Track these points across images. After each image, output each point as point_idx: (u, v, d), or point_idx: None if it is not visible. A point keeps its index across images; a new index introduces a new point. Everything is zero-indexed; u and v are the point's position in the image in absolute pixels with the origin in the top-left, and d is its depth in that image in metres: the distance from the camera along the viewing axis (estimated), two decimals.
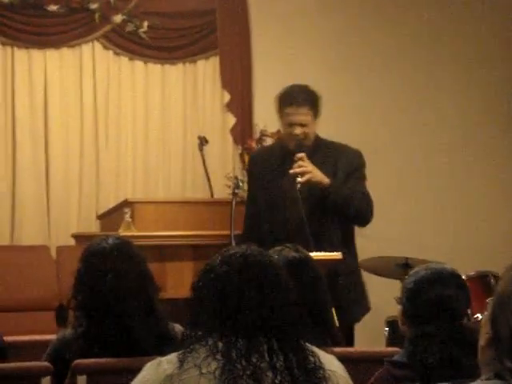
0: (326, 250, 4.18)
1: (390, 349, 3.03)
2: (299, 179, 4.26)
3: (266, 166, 4.53)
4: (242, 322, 2.14)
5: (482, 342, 1.68)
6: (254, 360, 2.11)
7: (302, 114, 4.40)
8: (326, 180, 4.33)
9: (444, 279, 2.70)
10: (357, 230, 4.59)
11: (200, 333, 2.16)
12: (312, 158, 4.38)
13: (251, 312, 2.15)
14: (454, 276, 2.74)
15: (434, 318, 2.63)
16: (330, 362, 2.25)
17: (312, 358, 2.19)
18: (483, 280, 4.74)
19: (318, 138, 4.50)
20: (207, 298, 2.19)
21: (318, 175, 4.32)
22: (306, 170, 4.29)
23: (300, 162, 4.29)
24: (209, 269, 2.24)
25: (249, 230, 4.51)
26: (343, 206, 4.36)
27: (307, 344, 2.23)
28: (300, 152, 4.32)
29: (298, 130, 4.38)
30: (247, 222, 4.56)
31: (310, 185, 4.30)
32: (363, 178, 4.51)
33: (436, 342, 2.56)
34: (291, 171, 4.29)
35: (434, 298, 2.66)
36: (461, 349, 2.55)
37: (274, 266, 2.26)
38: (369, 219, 4.48)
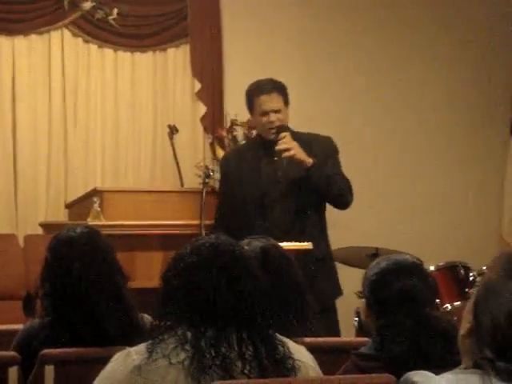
0: (303, 238, 4.33)
1: (360, 339, 3.03)
2: (286, 154, 4.38)
3: (241, 164, 4.58)
4: (211, 312, 2.13)
5: (462, 331, 1.67)
6: (223, 350, 2.10)
7: (273, 101, 4.51)
8: (309, 159, 4.43)
9: (406, 269, 2.69)
10: (328, 219, 4.61)
11: (169, 323, 2.15)
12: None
13: (221, 302, 2.14)
14: (416, 266, 2.74)
15: (400, 308, 2.62)
16: (299, 352, 2.25)
17: (281, 348, 2.19)
18: (452, 270, 4.76)
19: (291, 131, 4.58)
20: (176, 288, 2.17)
21: (302, 153, 4.42)
22: (290, 146, 4.39)
23: (284, 139, 4.41)
24: (178, 259, 2.23)
25: (221, 220, 4.53)
26: (326, 185, 4.46)
27: (277, 334, 2.22)
28: (280, 133, 4.44)
29: (273, 117, 4.48)
30: (220, 212, 4.59)
31: (294, 162, 4.40)
32: (338, 162, 4.62)
33: (403, 332, 2.56)
34: (276, 147, 4.39)
35: (399, 289, 2.65)
36: (427, 339, 2.55)
37: (244, 255, 2.25)
38: (350, 201, 4.58)
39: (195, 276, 2.17)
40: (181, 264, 2.20)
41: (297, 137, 4.55)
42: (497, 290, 1.60)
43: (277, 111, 4.51)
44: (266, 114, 4.50)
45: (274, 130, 4.49)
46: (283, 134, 4.42)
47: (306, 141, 4.56)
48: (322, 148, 4.57)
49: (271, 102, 4.51)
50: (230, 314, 2.14)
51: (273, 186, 4.50)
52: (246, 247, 3.05)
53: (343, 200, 4.57)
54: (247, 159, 4.60)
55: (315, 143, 4.58)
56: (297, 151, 4.40)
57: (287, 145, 4.40)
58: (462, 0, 6.98)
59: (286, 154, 4.37)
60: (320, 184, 4.44)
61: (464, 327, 1.67)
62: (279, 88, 4.56)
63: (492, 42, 6.99)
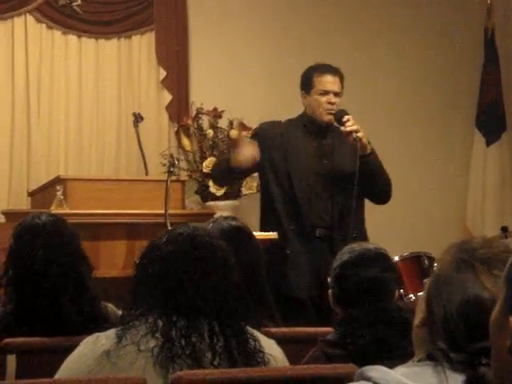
0: (349, 228, 4.24)
1: (324, 329, 3.02)
2: (358, 134, 4.19)
3: (287, 138, 4.40)
4: (184, 302, 2.13)
5: (416, 321, 1.68)
6: (194, 340, 2.10)
7: (336, 84, 4.38)
8: (368, 145, 4.30)
9: (367, 261, 2.71)
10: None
11: (140, 310, 2.13)
12: (333, 138, 4.40)
13: (194, 293, 2.13)
14: (378, 257, 2.75)
15: (360, 301, 2.65)
16: (270, 346, 2.26)
17: (252, 342, 2.19)
18: (416, 261, 4.78)
19: None
20: (151, 276, 2.17)
21: (364, 136, 4.27)
22: (358, 127, 4.23)
23: (351, 121, 4.23)
24: (154, 247, 2.22)
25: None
26: (377, 175, 4.34)
27: (248, 327, 2.22)
28: (343, 116, 4.27)
29: (334, 99, 4.34)
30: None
31: (360, 145, 4.22)
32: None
33: (363, 325, 2.57)
34: (347, 129, 4.21)
35: (358, 281, 2.67)
36: (389, 329, 2.56)
37: (221, 247, 2.25)
38: (390, 196, 4.52)
39: (170, 265, 2.16)
40: (157, 252, 2.20)
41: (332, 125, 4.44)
42: (449, 281, 1.61)
43: (336, 95, 4.37)
44: (326, 93, 4.35)
45: (332, 111, 4.32)
46: (348, 116, 4.25)
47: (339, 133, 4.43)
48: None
49: (335, 83, 4.37)
50: (203, 305, 2.13)
51: (316, 172, 4.36)
52: (211, 225, 3.03)
53: (387, 194, 4.49)
54: (295, 136, 4.41)
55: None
56: (363, 132, 4.25)
57: (355, 126, 4.22)
58: None
59: (358, 134, 4.18)
60: (375, 172, 4.31)
61: (418, 317, 1.67)
62: (342, 77, 4.45)
63: (459, 36, 7.03)
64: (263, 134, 4.45)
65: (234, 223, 3.13)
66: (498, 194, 6.84)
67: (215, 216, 4.56)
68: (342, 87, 4.44)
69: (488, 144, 6.87)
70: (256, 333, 2.23)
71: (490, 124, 6.87)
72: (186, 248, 2.18)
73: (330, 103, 4.34)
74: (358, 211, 4.38)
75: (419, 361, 1.60)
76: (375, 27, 6.87)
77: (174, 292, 2.13)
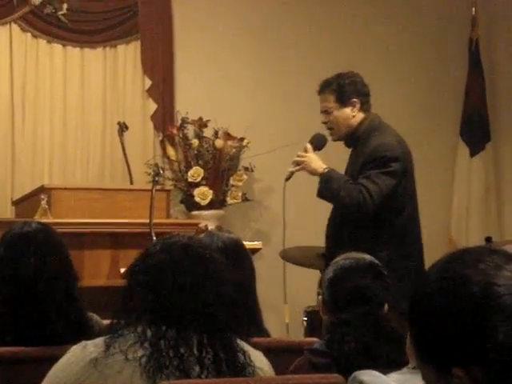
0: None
1: (309, 339, 3.03)
2: (290, 169, 4.29)
3: None
4: (174, 312, 2.11)
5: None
6: (182, 351, 2.08)
7: (322, 101, 4.32)
8: (318, 170, 4.22)
9: (360, 269, 2.73)
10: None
11: (130, 319, 2.12)
12: (356, 147, 4.29)
13: (185, 303, 2.11)
14: (372, 266, 2.77)
15: (351, 306, 2.65)
16: (259, 359, 2.24)
17: (241, 356, 2.16)
18: None
19: (370, 126, 4.28)
20: (142, 284, 2.15)
21: (311, 166, 4.24)
22: (299, 159, 4.27)
23: (299, 153, 4.29)
24: (147, 255, 2.20)
25: None
26: (332, 197, 4.23)
27: (238, 341, 2.20)
28: (319, 143, 4.33)
29: (324, 118, 4.31)
30: None
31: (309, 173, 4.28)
32: (372, 173, 4.17)
33: (351, 330, 2.57)
34: (292, 161, 4.31)
35: (350, 287, 2.69)
36: (375, 338, 2.56)
37: (214, 259, 2.22)
38: (362, 208, 4.14)
39: (161, 274, 2.14)
40: (149, 260, 2.18)
41: (370, 132, 4.25)
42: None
43: (325, 112, 4.30)
44: (322, 113, 4.33)
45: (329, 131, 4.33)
46: (305, 146, 4.29)
47: (369, 139, 4.25)
48: (365, 154, 4.22)
49: (321, 102, 4.32)
50: (192, 316, 2.11)
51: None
52: (206, 237, 3.02)
53: (356, 209, 4.15)
54: None
55: (368, 143, 4.25)
56: (305, 164, 4.24)
57: (298, 158, 4.27)
58: (418, 3, 7.05)
59: (292, 169, 4.28)
60: (327, 195, 4.22)
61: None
62: (333, 84, 4.27)
63: (444, 46, 7.06)
64: None
65: (232, 236, 3.12)
66: (482, 205, 6.86)
67: (200, 225, 4.59)
68: (339, 96, 4.26)
69: (472, 154, 6.89)
70: (246, 346, 2.21)
71: (474, 134, 6.90)
72: (179, 257, 2.15)
73: (323, 123, 4.35)
74: (353, 239, 4.12)
75: (414, 368, 1.60)
76: (361, 34, 6.89)
77: (164, 301, 2.11)
